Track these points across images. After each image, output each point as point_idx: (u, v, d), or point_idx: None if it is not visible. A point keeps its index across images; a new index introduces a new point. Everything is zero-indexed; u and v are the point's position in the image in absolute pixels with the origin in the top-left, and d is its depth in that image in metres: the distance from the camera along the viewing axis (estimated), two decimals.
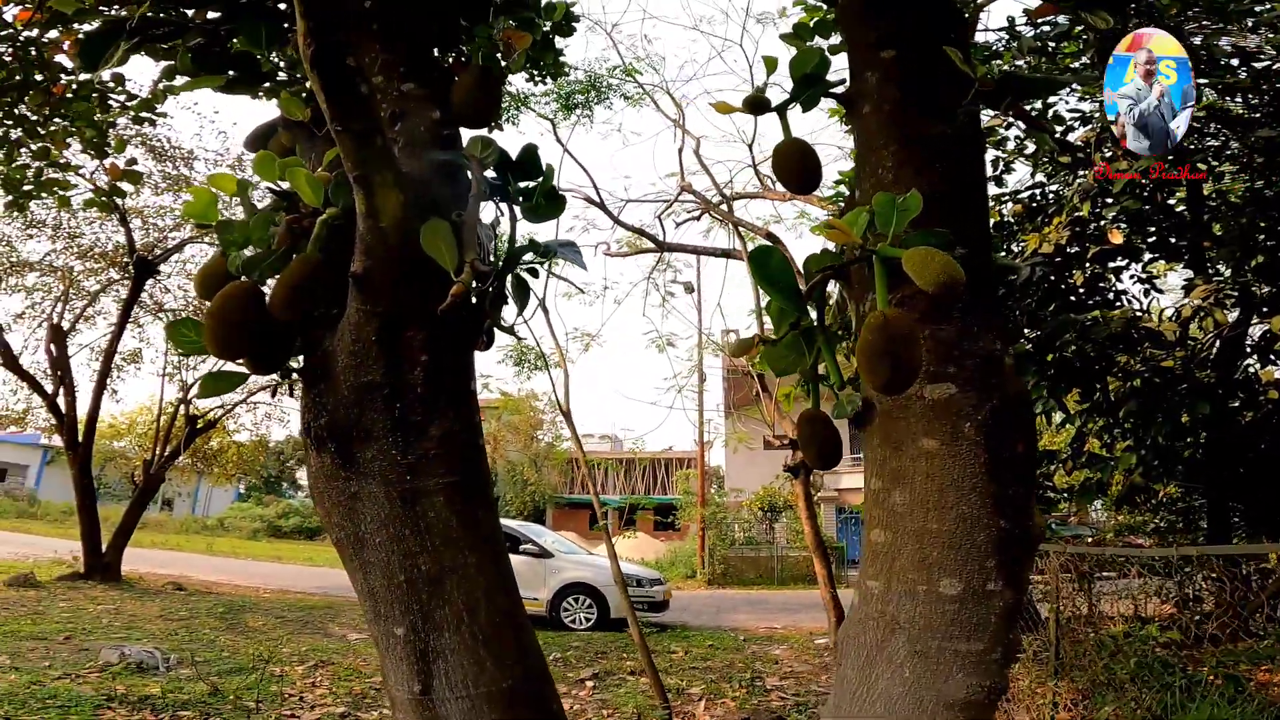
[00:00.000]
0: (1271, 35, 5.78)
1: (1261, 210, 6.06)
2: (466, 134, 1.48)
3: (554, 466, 26.80)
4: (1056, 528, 11.13)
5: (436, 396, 1.26)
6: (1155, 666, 4.78)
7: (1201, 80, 5.82)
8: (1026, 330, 6.58)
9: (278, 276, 1.20)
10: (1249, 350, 6.21)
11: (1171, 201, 6.97)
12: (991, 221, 7.58)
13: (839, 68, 1.78)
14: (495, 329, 1.37)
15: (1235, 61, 5.99)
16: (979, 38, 7.43)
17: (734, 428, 20.76)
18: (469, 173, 1.35)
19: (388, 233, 1.10)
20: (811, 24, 2.39)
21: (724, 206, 10.24)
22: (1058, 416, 6.92)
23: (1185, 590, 6.15)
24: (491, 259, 1.38)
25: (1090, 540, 9.18)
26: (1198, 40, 5.96)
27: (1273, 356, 6.27)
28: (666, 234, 11.20)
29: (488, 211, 1.46)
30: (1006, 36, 6.59)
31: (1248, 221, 6.05)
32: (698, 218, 11.40)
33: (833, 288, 1.44)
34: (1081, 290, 6.82)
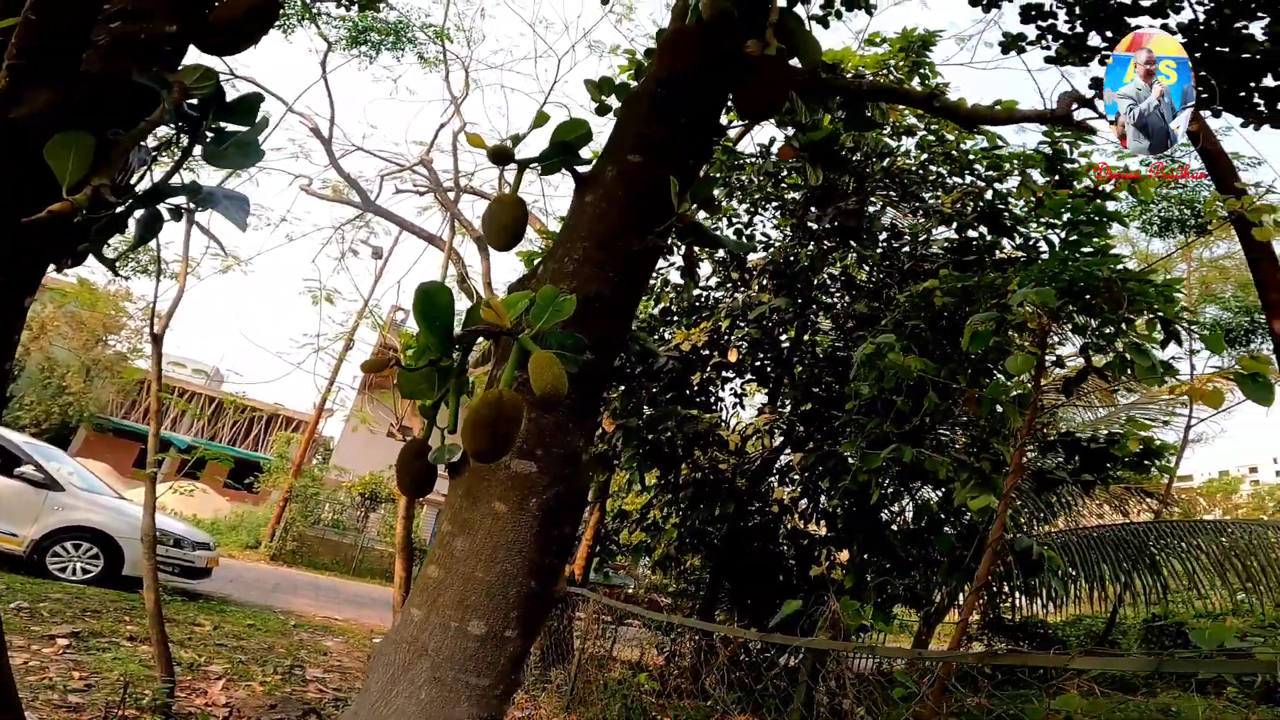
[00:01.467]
0: (924, 220, 7.79)
1: (828, 368, 7.84)
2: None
3: (115, 382, 21.58)
4: (610, 575, 12.87)
5: None
6: (637, 711, 5.81)
7: (853, 242, 7.42)
8: (646, 408, 7.71)
9: None
10: (775, 472, 8.20)
11: (783, 339, 8.76)
12: (660, 307, 8.74)
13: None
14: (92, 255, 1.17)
15: (884, 235, 7.91)
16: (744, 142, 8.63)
17: (362, 405, 19.56)
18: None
19: (13, 125, 0.91)
20: (616, 82, 2.49)
21: (452, 195, 10.02)
22: (637, 485, 8.14)
23: (675, 647, 7.69)
24: (131, 185, 1.18)
25: (629, 590, 10.86)
26: (874, 208, 7.80)
27: (786, 482, 8.36)
28: (381, 195, 10.50)
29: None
30: (758, 153, 7.87)
31: (819, 374, 7.98)
32: (421, 194, 11.01)
33: None
34: (696, 388, 8.28)
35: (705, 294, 8.70)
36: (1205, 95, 6.61)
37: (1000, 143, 7.77)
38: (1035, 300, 3.73)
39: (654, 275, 9.26)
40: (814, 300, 7.99)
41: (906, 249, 8.21)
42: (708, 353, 7.90)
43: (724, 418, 8.25)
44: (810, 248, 7.65)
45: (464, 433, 1.12)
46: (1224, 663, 1.91)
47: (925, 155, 7.89)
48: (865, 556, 7.49)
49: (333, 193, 11.04)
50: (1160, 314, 4.61)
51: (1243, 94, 6.33)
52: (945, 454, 6.22)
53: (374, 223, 12.24)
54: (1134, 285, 4.01)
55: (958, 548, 6.18)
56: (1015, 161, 7.56)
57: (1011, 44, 7.01)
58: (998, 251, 7.54)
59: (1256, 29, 6.15)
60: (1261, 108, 6.29)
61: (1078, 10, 6.62)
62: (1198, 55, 6.43)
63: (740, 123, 8.06)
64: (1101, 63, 6.83)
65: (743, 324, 7.25)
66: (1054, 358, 7.15)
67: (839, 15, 6.58)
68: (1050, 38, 6.84)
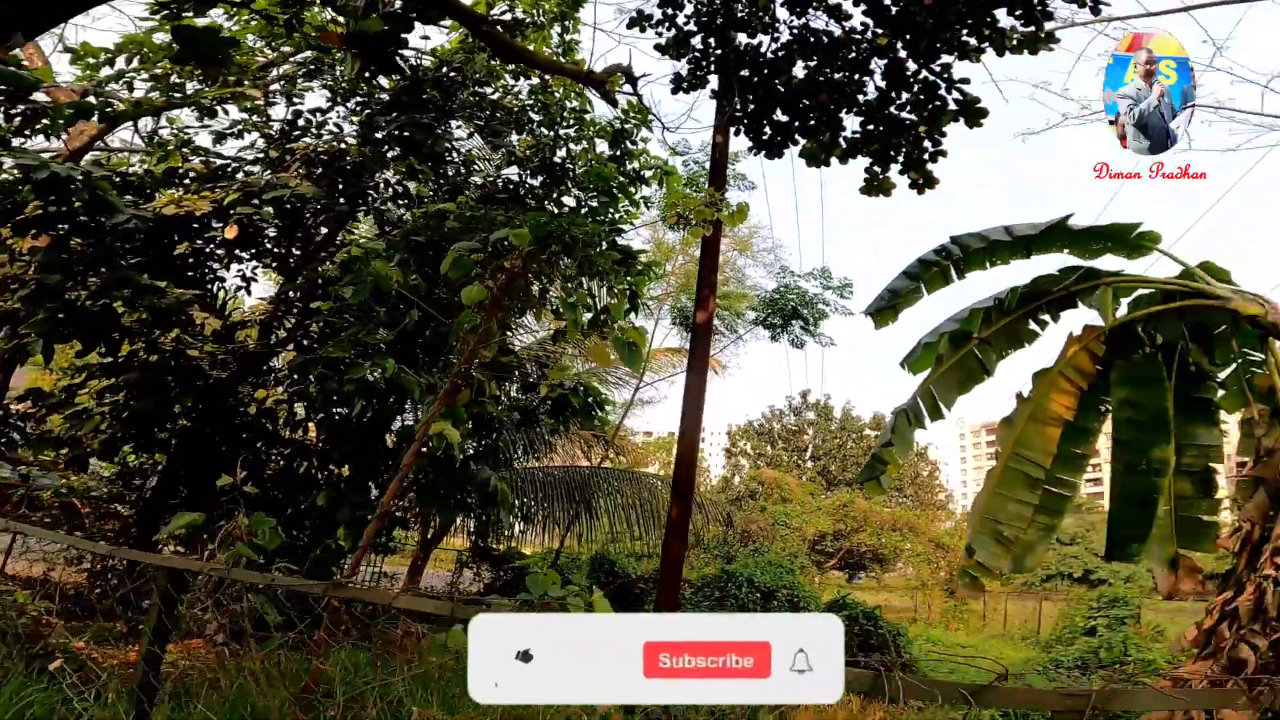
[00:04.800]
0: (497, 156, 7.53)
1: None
2: None
3: None
4: (27, 471, 9.92)
5: None
6: (19, 633, 4.48)
7: (414, 156, 7.09)
8: (94, 272, 5.94)
9: None
10: (265, 370, 7.31)
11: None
12: (164, 167, 6.88)
13: None
14: None
15: (459, 160, 7.54)
16: None
17: None
18: None
19: None
20: None
21: None
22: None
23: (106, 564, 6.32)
24: None
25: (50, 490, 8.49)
26: (460, 132, 7.29)
27: (277, 384, 7.50)
28: None
29: None
30: None
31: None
32: None
33: None
34: (190, 260, 6.78)
35: (234, 165, 7.36)
36: (739, 115, 8.14)
37: (589, 109, 8.37)
38: (514, 240, 3.92)
39: (173, 132, 7.38)
40: (360, 199, 7.38)
41: (475, 178, 8.29)
42: (220, 225, 6.58)
43: (215, 298, 6.99)
44: (368, 148, 7.09)
45: None
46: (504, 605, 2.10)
47: (531, 101, 8.05)
48: (354, 474, 7.23)
49: None
50: (632, 287, 5.36)
51: (763, 122, 7.98)
52: (443, 377, 6.35)
53: None
54: (598, 254, 4.53)
55: (429, 472, 6.40)
56: (592, 128, 8.25)
57: (636, 21, 7.54)
58: (548, 204, 8.09)
59: (801, 68, 7.75)
60: (766, 137, 8.01)
61: (700, 10, 7.47)
62: (754, 80, 7.87)
63: None
64: (689, 62, 7.88)
65: (258, 204, 6.17)
66: (556, 307, 8.03)
67: None
68: (666, 27, 7.56)
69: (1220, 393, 3.44)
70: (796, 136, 8.04)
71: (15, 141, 4.73)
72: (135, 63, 5.32)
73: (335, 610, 3.32)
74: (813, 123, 7.92)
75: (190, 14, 3.86)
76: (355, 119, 7.65)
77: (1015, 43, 6.49)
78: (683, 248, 16.22)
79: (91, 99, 5.13)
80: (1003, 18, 6.50)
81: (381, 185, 7.96)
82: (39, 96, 4.23)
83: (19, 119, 4.11)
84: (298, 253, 7.67)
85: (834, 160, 8.12)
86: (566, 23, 8.07)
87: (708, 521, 11.43)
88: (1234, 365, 3.51)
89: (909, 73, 7.04)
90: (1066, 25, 8.76)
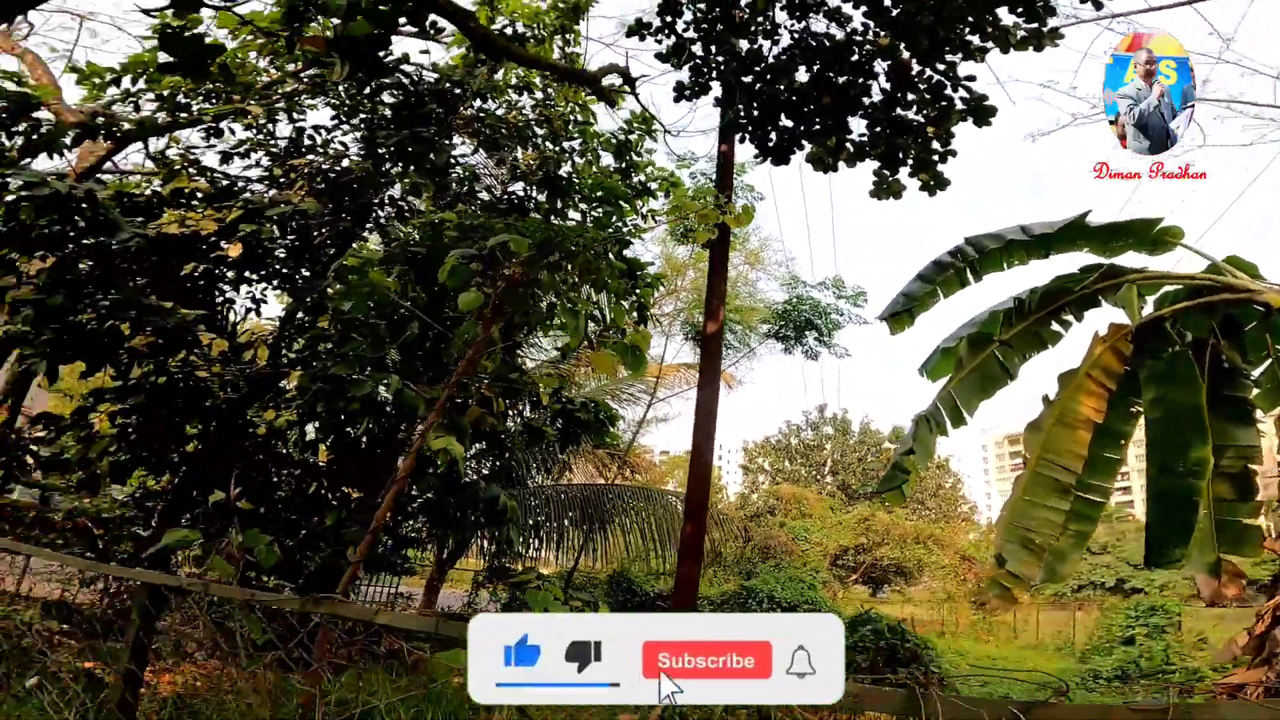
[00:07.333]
0: (502, 171, 7.61)
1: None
2: None
3: None
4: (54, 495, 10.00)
5: None
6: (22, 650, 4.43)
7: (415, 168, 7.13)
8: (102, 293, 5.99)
9: None
10: (277, 391, 7.29)
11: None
12: (172, 187, 7.01)
13: None
14: None
15: (461, 174, 7.50)
16: None
17: None
18: None
19: None
20: None
21: None
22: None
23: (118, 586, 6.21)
24: None
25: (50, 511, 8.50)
26: (463, 146, 7.24)
27: (287, 404, 7.46)
28: None
29: None
30: None
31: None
32: None
33: None
34: (201, 281, 6.82)
35: (240, 185, 7.44)
36: (744, 122, 8.08)
37: (593, 121, 8.36)
38: (513, 246, 3.83)
39: (179, 152, 7.51)
40: (365, 216, 7.43)
41: (483, 194, 8.31)
42: (227, 245, 6.62)
43: (225, 319, 7.02)
44: (370, 163, 7.13)
45: None
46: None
47: (533, 116, 8.06)
48: (366, 495, 7.16)
49: None
50: (639, 299, 5.25)
51: (768, 128, 7.94)
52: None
53: None
54: (602, 263, 4.43)
55: (437, 490, 6.30)
56: (596, 140, 8.22)
57: (636, 30, 7.55)
58: (553, 217, 8.09)
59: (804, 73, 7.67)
60: (772, 143, 7.94)
61: (697, 16, 7.46)
62: (757, 86, 7.82)
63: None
64: (691, 69, 7.86)
65: (261, 221, 6.19)
66: (562, 321, 8.00)
67: None
68: (666, 34, 7.54)
69: (1254, 390, 3.24)
70: (803, 142, 7.99)
71: (22, 162, 4.78)
72: (141, 83, 5.40)
73: (322, 628, 3.21)
74: (818, 127, 7.88)
75: (170, 13, 3.84)
76: (358, 135, 7.72)
77: (1019, 39, 6.39)
78: (693, 262, 16.18)
79: (99, 120, 5.20)
80: (1005, 16, 6.40)
81: (386, 201, 8.02)
82: (43, 115, 4.27)
83: (22, 138, 4.14)
84: (306, 274, 7.71)
85: (842, 164, 8.04)
86: (567, 35, 8.11)
87: (724, 538, 11.20)
88: (1268, 361, 3.31)
89: (914, 73, 6.95)
90: (1071, 23, 8.64)
